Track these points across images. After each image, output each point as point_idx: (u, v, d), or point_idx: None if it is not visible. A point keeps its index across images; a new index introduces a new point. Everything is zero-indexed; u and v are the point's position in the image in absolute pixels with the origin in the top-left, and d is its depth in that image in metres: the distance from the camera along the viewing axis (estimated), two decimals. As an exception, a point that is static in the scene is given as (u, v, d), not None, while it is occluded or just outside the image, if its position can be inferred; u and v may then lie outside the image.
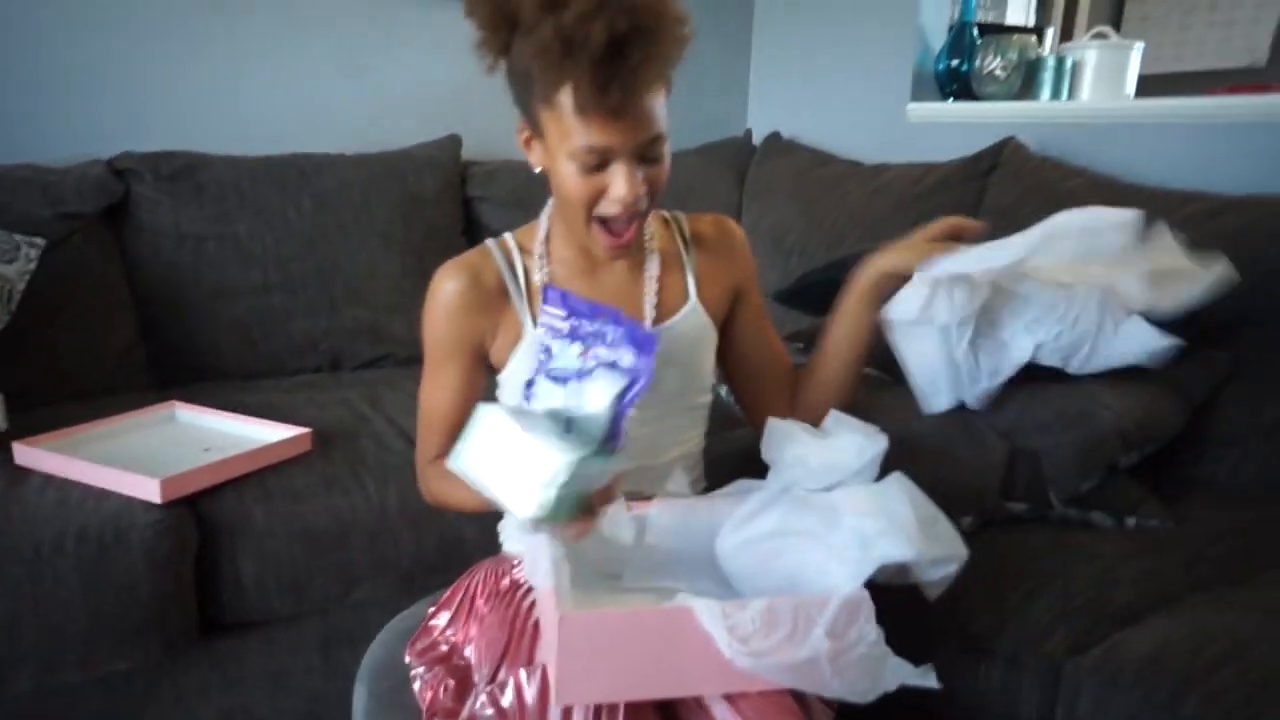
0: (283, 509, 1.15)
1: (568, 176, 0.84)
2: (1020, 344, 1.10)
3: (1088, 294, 1.08)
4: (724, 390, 1.26)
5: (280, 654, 1.19)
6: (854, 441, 0.87)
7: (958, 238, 0.99)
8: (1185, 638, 0.86)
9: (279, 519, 1.14)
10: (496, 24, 0.82)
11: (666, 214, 1.04)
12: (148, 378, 1.64)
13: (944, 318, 1.02)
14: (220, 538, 1.12)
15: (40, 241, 1.45)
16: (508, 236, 0.99)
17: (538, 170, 0.90)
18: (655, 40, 0.77)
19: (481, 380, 0.97)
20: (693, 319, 0.99)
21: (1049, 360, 1.13)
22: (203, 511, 1.12)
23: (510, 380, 0.97)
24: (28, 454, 1.17)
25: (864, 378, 1.42)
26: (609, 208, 0.84)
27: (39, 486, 1.11)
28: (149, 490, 1.07)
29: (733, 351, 1.06)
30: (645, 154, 0.83)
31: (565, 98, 0.79)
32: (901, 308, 1.01)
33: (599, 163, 0.82)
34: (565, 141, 0.81)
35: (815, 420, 0.96)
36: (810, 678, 0.72)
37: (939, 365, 1.11)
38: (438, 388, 0.97)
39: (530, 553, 0.86)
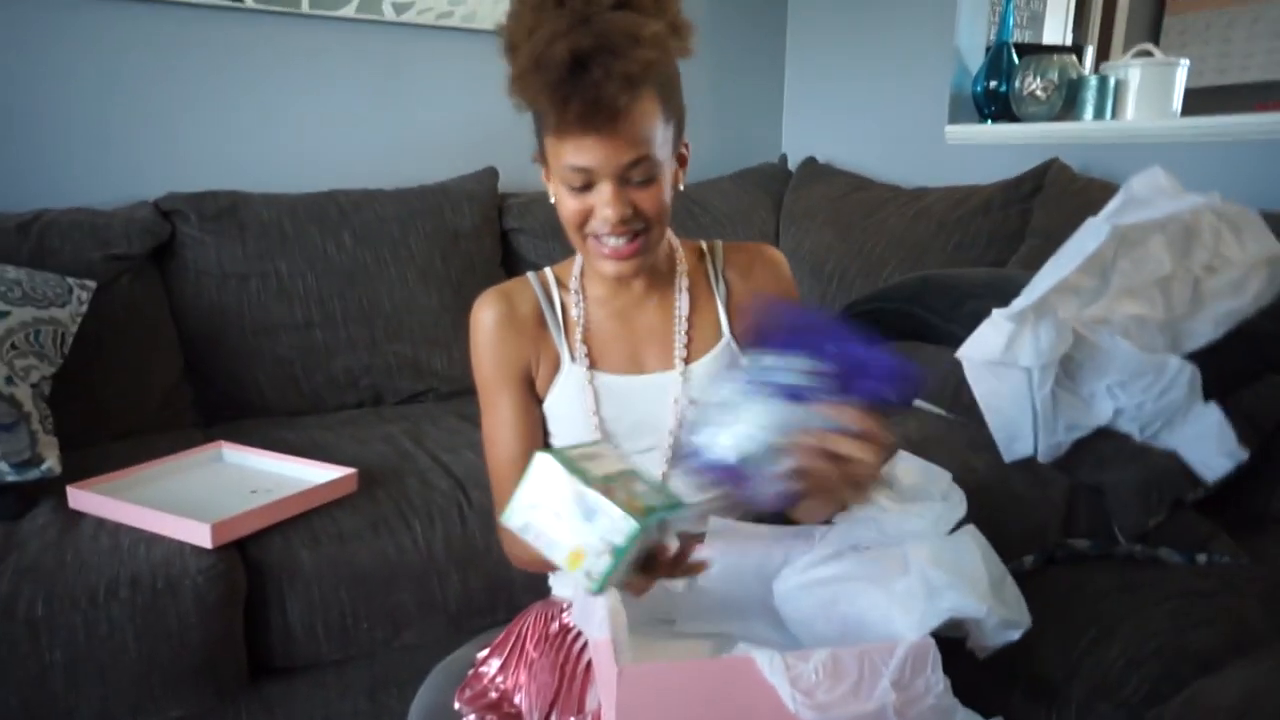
0: (330, 552, 1.14)
1: (560, 198, 0.86)
2: (1101, 405, 1.03)
3: (1180, 367, 1.01)
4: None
5: (329, 698, 1.18)
6: (933, 510, 0.84)
7: None
8: (1274, 687, 0.82)
9: (326, 562, 1.14)
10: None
11: (704, 245, 1.02)
12: (193, 416, 1.66)
13: (1028, 360, 0.96)
14: (268, 582, 1.11)
15: (90, 284, 1.47)
16: (546, 270, 0.99)
17: (553, 201, 0.90)
18: (620, 56, 0.77)
19: (536, 411, 0.97)
20: (726, 356, 0.97)
21: (1125, 427, 1.06)
22: (251, 556, 1.12)
23: (552, 411, 0.96)
24: (81, 498, 1.18)
25: (916, 413, 1.39)
26: (595, 226, 0.85)
27: (92, 531, 1.11)
28: (200, 535, 1.07)
29: None
30: (628, 176, 0.83)
31: (548, 120, 0.82)
32: (981, 346, 0.95)
33: (583, 183, 0.83)
34: (555, 163, 0.84)
35: None
36: (877, 731, 0.69)
37: (1019, 410, 1.03)
38: (496, 426, 0.96)
39: (582, 600, 0.84)
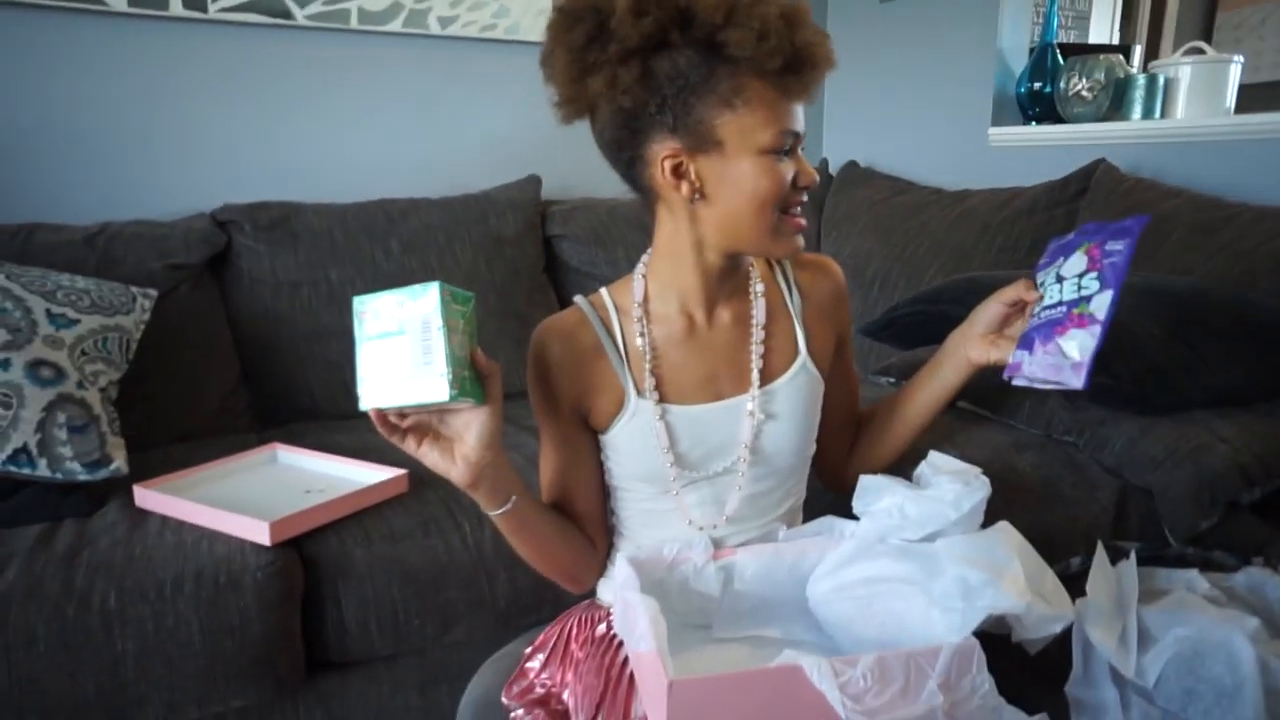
0: (382, 550, 1.17)
1: (760, 173, 0.81)
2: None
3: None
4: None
5: (381, 692, 1.21)
6: (953, 490, 0.84)
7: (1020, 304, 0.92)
8: None
9: (379, 560, 1.17)
10: (644, 47, 0.79)
11: None
12: (248, 419, 1.71)
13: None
14: (324, 579, 1.15)
15: (153, 292, 1.53)
16: (604, 295, 0.95)
17: (694, 200, 0.84)
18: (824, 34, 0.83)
19: (584, 443, 0.95)
20: (803, 376, 0.95)
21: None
22: (307, 553, 1.16)
23: (617, 444, 0.93)
24: (147, 496, 1.22)
25: (960, 412, 1.38)
26: (794, 195, 0.85)
27: (158, 528, 1.16)
28: (259, 532, 1.11)
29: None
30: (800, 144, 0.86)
31: (761, 86, 0.80)
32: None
33: (790, 147, 0.83)
34: (756, 135, 0.80)
35: (861, 469, 0.95)
36: (925, 733, 0.70)
37: None
38: (542, 454, 0.97)
39: (623, 610, 0.84)
